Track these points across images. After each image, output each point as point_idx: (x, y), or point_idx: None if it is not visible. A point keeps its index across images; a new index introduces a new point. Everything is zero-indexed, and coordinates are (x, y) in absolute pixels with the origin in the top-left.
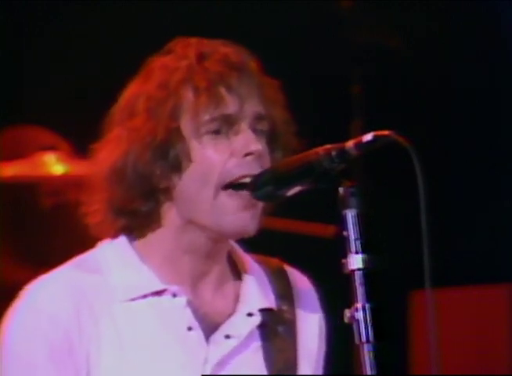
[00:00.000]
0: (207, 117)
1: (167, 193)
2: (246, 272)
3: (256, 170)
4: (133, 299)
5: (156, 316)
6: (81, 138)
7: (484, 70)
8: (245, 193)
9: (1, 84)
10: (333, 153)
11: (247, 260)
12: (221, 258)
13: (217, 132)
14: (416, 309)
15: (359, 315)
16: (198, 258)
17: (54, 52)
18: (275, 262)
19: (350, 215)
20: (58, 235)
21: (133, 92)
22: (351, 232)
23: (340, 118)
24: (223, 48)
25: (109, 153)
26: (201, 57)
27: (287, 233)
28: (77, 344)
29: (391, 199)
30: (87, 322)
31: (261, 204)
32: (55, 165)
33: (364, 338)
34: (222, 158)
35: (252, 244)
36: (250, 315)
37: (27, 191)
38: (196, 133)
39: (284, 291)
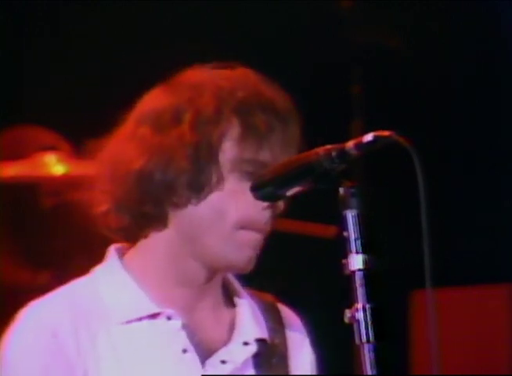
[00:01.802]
0: (249, 156)
1: (178, 206)
2: (241, 301)
3: (269, 225)
4: (129, 322)
5: (151, 338)
6: (81, 138)
7: (485, 70)
8: (255, 234)
9: (1, 84)
10: (334, 153)
11: (241, 290)
12: (215, 289)
13: (252, 174)
14: (416, 308)
15: (360, 315)
16: (191, 289)
17: (54, 52)
18: (267, 296)
19: (350, 216)
20: (58, 235)
21: (175, 98)
22: (352, 232)
23: (340, 118)
24: (271, 90)
25: (137, 152)
26: (258, 93)
27: (287, 233)
28: (76, 363)
29: (392, 199)
30: (85, 342)
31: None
32: (55, 165)
33: (364, 338)
34: (246, 204)
35: None
36: (246, 344)
37: (27, 191)
38: (233, 167)
39: (276, 325)
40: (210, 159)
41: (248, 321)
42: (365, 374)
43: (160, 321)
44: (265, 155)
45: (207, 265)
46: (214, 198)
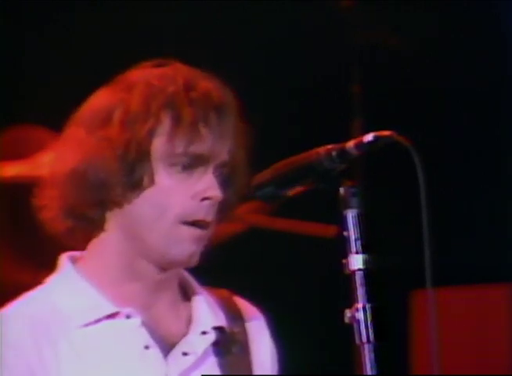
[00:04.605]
0: (180, 150)
1: (117, 205)
2: (196, 295)
3: (211, 215)
4: (87, 325)
5: (112, 338)
6: None
7: (485, 70)
8: (196, 229)
9: (1, 84)
10: (334, 153)
11: (196, 285)
12: (171, 286)
13: (185, 167)
14: (416, 308)
15: (360, 315)
16: (146, 287)
17: (54, 52)
18: (223, 292)
19: (350, 215)
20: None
21: (109, 98)
22: (352, 232)
23: (340, 118)
24: (207, 83)
25: (72, 153)
26: (188, 87)
27: (287, 233)
28: (38, 373)
29: (392, 199)
30: (46, 352)
31: (206, 239)
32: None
33: (364, 338)
34: (183, 198)
35: (252, 244)
36: (204, 333)
37: (27, 191)
38: (166, 161)
39: (235, 316)
40: (140, 157)
41: (204, 312)
42: (365, 374)
43: (120, 320)
44: (197, 147)
45: (153, 262)
46: (150, 195)
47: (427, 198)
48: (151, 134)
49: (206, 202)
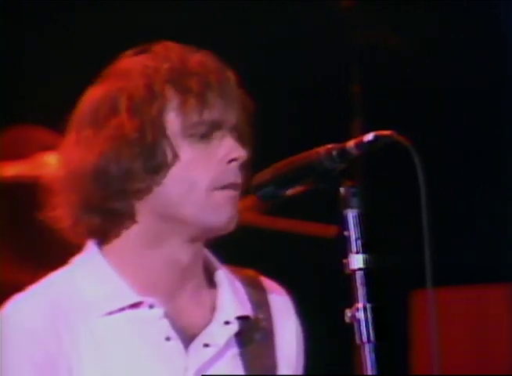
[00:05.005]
0: (195, 119)
1: (143, 192)
2: (221, 281)
3: (239, 176)
4: (110, 313)
5: (134, 328)
6: None
7: (484, 70)
8: (229, 191)
9: (1, 84)
10: (334, 152)
11: (222, 270)
12: (197, 272)
13: (203, 136)
14: (416, 308)
15: (360, 315)
16: (174, 275)
17: (54, 52)
18: (249, 272)
19: (351, 215)
20: (58, 235)
21: (107, 91)
22: (352, 232)
23: (340, 118)
24: (200, 54)
25: (85, 153)
26: (183, 60)
27: (287, 233)
28: (59, 360)
29: (392, 199)
30: (66, 338)
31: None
32: (55, 165)
33: (365, 338)
34: (210, 165)
35: (252, 244)
36: (227, 323)
37: (27, 191)
38: (183, 134)
39: (260, 300)
40: (157, 137)
41: (229, 300)
42: (365, 374)
43: (142, 310)
44: (209, 113)
45: (189, 237)
46: (176, 171)
47: (427, 198)
48: (162, 111)
49: (233, 164)
